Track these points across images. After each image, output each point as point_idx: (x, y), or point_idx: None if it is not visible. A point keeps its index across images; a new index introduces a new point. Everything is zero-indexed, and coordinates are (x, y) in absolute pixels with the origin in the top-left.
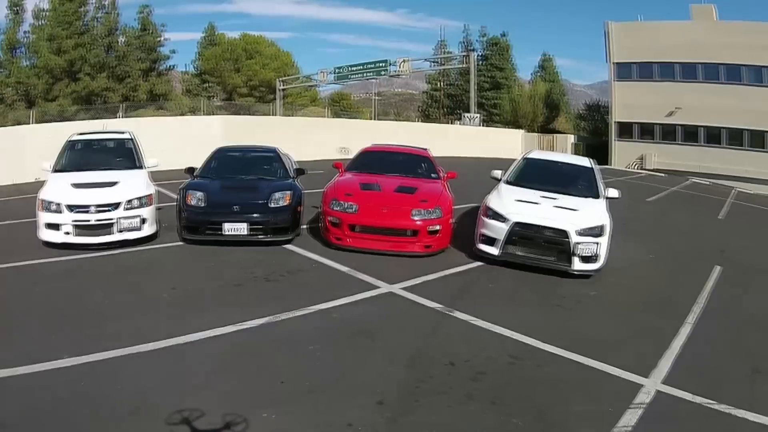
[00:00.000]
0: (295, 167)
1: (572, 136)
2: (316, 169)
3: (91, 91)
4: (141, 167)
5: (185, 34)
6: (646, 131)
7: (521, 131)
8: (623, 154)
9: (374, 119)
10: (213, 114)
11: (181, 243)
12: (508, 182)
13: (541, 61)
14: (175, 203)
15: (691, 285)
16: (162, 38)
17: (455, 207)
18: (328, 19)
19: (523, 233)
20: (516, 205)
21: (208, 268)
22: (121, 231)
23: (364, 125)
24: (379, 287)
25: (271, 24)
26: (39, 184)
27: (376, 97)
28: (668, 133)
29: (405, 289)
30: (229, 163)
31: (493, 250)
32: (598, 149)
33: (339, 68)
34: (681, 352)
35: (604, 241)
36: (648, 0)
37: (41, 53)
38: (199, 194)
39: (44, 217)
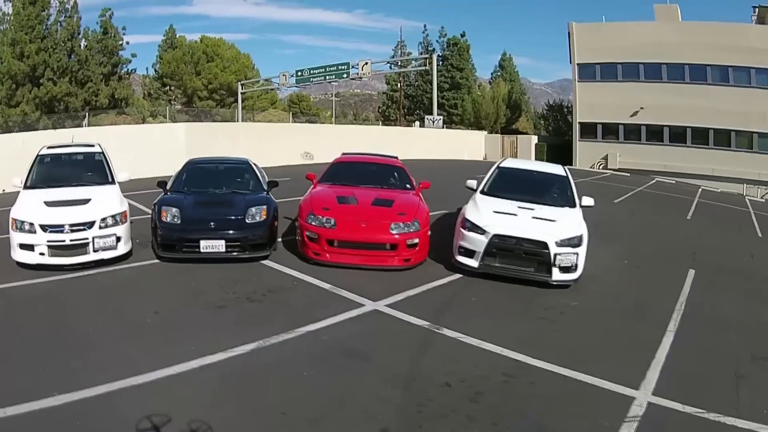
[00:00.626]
0: (267, 179)
1: (535, 137)
2: (282, 176)
3: (53, 96)
4: (113, 182)
5: (145, 36)
6: (610, 131)
7: (484, 132)
8: (587, 154)
9: (334, 121)
10: (174, 118)
11: (156, 261)
12: (483, 192)
13: (500, 60)
14: (148, 217)
15: (667, 290)
16: (123, 42)
17: None
18: (286, 20)
19: (503, 245)
20: (494, 217)
21: (188, 288)
22: (96, 251)
23: (326, 130)
24: (363, 305)
25: (230, 26)
26: (6, 197)
27: (335, 98)
28: (632, 133)
29: (390, 306)
30: (200, 176)
31: (473, 263)
32: (561, 149)
33: (300, 71)
34: (666, 362)
35: (582, 250)
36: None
37: (4, 58)
38: (174, 210)
39: (17, 237)
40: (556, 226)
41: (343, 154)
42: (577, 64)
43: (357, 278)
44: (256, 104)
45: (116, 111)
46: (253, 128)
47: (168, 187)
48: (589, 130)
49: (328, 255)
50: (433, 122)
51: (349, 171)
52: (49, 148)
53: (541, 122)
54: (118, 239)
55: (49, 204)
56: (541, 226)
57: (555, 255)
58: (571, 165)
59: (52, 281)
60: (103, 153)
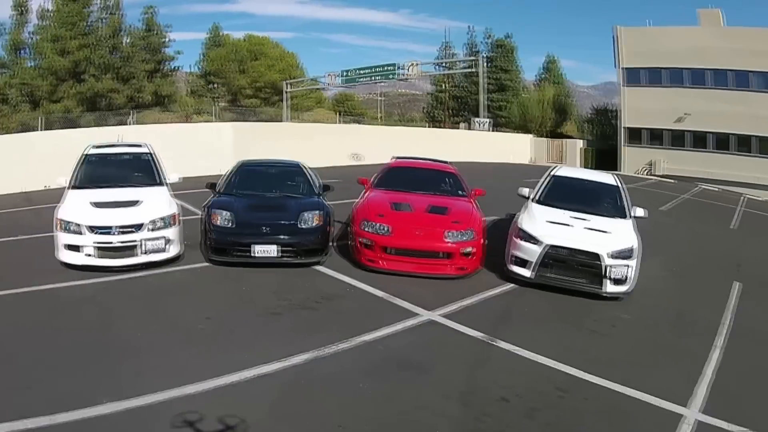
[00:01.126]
0: (321, 183)
1: (581, 141)
2: (331, 178)
3: (96, 92)
4: (162, 183)
5: (189, 34)
6: (655, 137)
7: (530, 136)
8: (633, 159)
9: (380, 121)
10: (219, 116)
11: (207, 264)
12: (537, 201)
13: (545, 62)
14: (195, 218)
15: (714, 304)
16: (167, 39)
17: None
18: (331, 18)
19: (557, 256)
20: (548, 227)
21: (240, 294)
22: (145, 253)
23: (373, 131)
24: (419, 314)
25: (274, 24)
26: (49, 194)
27: (381, 98)
28: (677, 139)
29: (445, 316)
30: (252, 179)
31: (526, 272)
32: (607, 154)
33: (346, 71)
34: (714, 378)
35: (634, 263)
36: (654, 0)
37: (46, 54)
38: (226, 214)
39: (64, 238)
40: (609, 238)
41: (395, 158)
42: (624, 68)
43: (411, 286)
44: (301, 103)
45: (160, 108)
46: (300, 128)
47: (218, 189)
48: (635, 136)
49: (382, 262)
50: (480, 125)
51: (402, 176)
52: (95, 147)
53: (586, 126)
54: (168, 242)
55: (96, 205)
56: (594, 237)
57: (607, 267)
58: (617, 170)
59: (99, 282)
60: (151, 154)
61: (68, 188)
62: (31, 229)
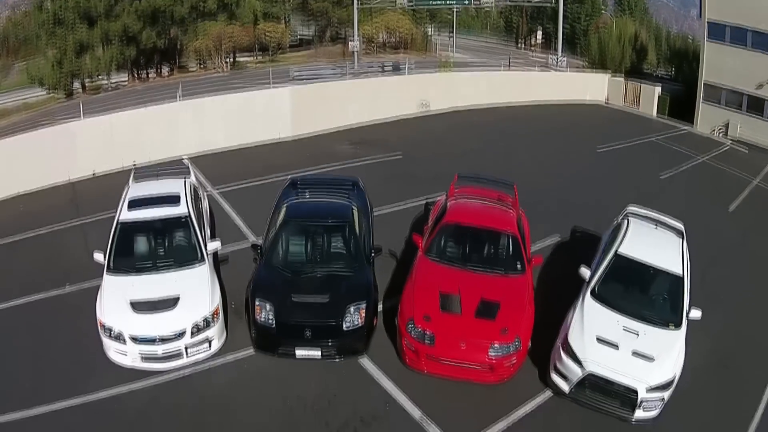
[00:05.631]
0: (372, 241)
1: (658, 87)
2: (394, 143)
3: (156, 7)
4: (202, 258)
5: None
6: (734, 98)
7: (607, 75)
8: (708, 116)
9: (454, 47)
10: (287, 20)
11: (251, 352)
12: (594, 294)
13: None
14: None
15: None
16: None
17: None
18: None
19: (596, 382)
20: (595, 349)
21: (282, 414)
22: (189, 357)
23: (442, 78)
24: None
25: None
26: (97, 181)
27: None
28: (755, 106)
29: None
30: (297, 240)
31: (564, 386)
32: (685, 105)
33: None
34: None
35: (669, 393)
36: None
37: None
38: (268, 307)
39: (108, 343)
40: (653, 368)
41: (458, 176)
42: (708, 21)
43: (449, 399)
44: (373, 7)
45: (225, 15)
46: (365, 85)
47: (263, 255)
48: (712, 93)
49: (425, 367)
50: (557, 62)
51: (456, 239)
52: (135, 181)
53: (666, 66)
54: (211, 341)
55: (135, 307)
56: (637, 367)
57: (642, 400)
58: (692, 126)
59: (147, 388)
60: (189, 216)
61: (105, 271)
62: (81, 271)
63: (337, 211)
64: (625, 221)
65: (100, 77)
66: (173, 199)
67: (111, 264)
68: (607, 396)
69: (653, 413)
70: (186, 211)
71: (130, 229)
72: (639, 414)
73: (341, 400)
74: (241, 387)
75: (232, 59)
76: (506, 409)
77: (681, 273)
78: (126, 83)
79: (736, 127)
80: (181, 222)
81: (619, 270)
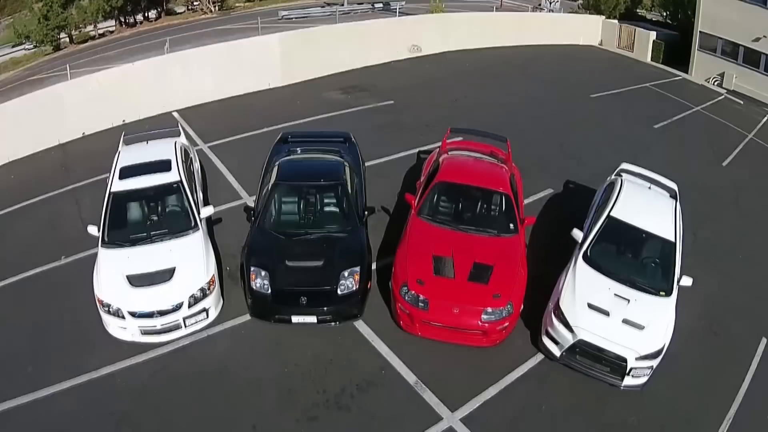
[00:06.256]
0: (364, 201)
1: (653, 33)
2: (387, 87)
3: None
4: (196, 226)
5: None
6: (730, 49)
7: (601, 18)
8: (703, 66)
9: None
10: None
11: (248, 318)
12: (585, 258)
13: None
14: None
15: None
16: None
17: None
18: None
19: (586, 349)
20: (586, 315)
21: (281, 380)
22: (187, 327)
23: (434, 20)
24: (441, 418)
25: None
26: (87, 141)
27: None
28: (751, 59)
29: (464, 420)
30: (290, 201)
31: (555, 351)
32: (679, 53)
33: None
34: None
35: (657, 361)
36: None
37: None
38: (264, 274)
39: (107, 319)
40: (643, 336)
41: (451, 130)
42: None
43: (443, 365)
44: None
45: None
46: (355, 30)
47: (255, 219)
48: (708, 43)
49: (419, 330)
50: (551, 3)
51: (449, 198)
52: (125, 146)
53: (656, 12)
54: (207, 310)
55: (132, 282)
56: (627, 335)
57: (631, 368)
58: (687, 73)
59: (148, 361)
60: (181, 182)
61: (100, 245)
62: (77, 239)
63: (329, 171)
64: (619, 180)
65: (86, 28)
66: (164, 166)
67: (105, 237)
68: (597, 362)
69: (642, 380)
70: (177, 177)
71: (122, 200)
72: (628, 381)
73: (337, 365)
74: (239, 354)
75: (220, 0)
76: (500, 374)
77: (673, 239)
78: (114, 30)
79: (731, 78)
80: (173, 189)
81: (611, 234)
